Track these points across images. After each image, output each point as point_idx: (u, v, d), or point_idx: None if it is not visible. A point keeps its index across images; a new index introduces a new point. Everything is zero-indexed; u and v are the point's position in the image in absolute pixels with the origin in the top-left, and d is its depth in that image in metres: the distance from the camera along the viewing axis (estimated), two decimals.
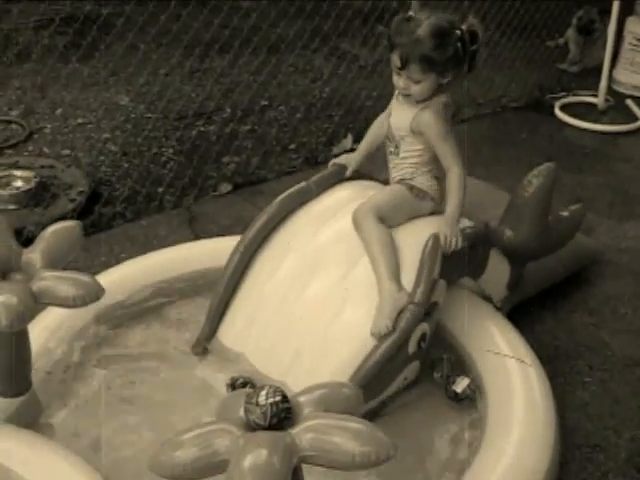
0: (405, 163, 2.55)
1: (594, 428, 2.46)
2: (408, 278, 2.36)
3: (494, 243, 2.67)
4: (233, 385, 2.31)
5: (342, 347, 2.31)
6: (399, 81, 2.44)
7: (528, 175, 2.63)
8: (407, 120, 2.49)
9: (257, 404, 1.57)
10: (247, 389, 1.80)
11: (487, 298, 2.71)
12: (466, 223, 2.55)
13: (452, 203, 2.48)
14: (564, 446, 2.30)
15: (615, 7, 4.62)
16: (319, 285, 2.45)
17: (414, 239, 2.44)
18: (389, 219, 2.46)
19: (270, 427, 1.56)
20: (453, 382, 2.40)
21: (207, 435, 1.55)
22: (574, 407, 2.53)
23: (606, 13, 4.81)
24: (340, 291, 2.40)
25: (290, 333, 2.40)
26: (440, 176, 2.54)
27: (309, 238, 2.55)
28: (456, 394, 2.38)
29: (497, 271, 2.71)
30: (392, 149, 2.59)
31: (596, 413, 2.52)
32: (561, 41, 5.86)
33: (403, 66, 2.39)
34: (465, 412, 2.35)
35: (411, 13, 2.43)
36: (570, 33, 5.70)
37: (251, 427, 1.57)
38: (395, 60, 2.41)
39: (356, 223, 2.45)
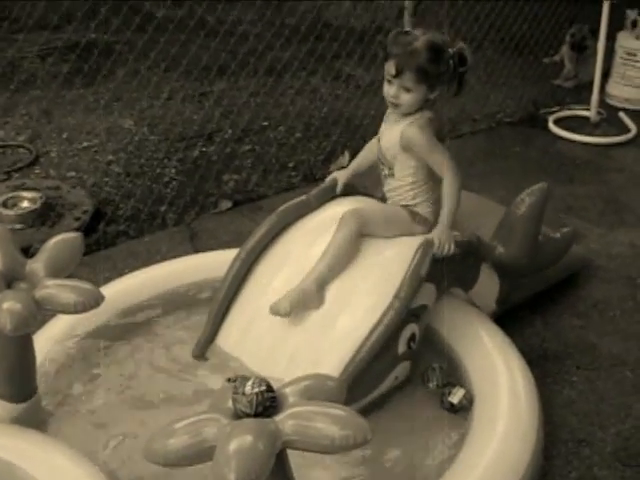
0: (403, 185, 2.63)
1: (580, 424, 2.52)
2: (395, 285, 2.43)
3: (485, 257, 2.74)
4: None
5: (332, 354, 2.37)
6: (390, 89, 2.54)
7: (521, 194, 2.72)
8: (396, 138, 2.58)
9: (243, 394, 1.65)
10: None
11: None
12: (454, 233, 2.62)
13: (446, 209, 2.56)
14: (550, 441, 2.37)
15: (603, 23, 4.72)
16: None
17: (406, 252, 2.51)
18: (375, 228, 2.56)
19: (256, 415, 1.64)
20: (449, 393, 2.43)
21: (197, 424, 1.63)
22: (561, 405, 2.60)
23: (598, 29, 4.90)
24: (331, 301, 2.49)
25: (284, 341, 2.48)
26: (438, 198, 2.62)
27: (305, 250, 2.64)
28: (452, 405, 2.41)
29: (487, 286, 2.79)
30: (386, 172, 2.67)
31: (582, 410, 2.58)
32: (557, 58, 5.98)
33: (397, 74, 2.50)
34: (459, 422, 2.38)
35: (408, 29, 2.56)
36: (564, 50, 5.81)
37: (238, 416, 1.66)
38: (390, 68, 2.51)
39: (341, 220, 2.53)
